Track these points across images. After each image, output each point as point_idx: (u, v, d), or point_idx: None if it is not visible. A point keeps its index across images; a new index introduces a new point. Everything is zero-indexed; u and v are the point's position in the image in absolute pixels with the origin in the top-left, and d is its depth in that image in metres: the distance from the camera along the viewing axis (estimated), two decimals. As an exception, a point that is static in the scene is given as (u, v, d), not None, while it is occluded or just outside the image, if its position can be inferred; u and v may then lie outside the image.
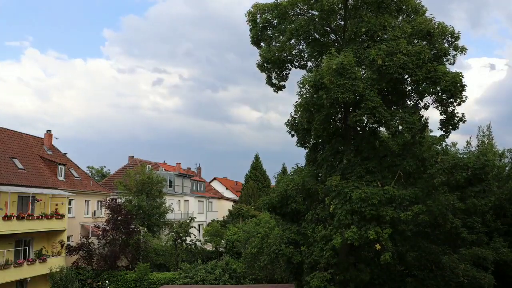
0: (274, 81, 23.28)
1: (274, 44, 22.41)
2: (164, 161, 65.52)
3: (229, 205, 68.86)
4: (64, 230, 35.18)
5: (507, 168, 31.08)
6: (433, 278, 20.85)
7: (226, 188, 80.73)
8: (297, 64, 23.09)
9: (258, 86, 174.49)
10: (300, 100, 20.12)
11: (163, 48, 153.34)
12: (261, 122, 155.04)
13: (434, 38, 19.46)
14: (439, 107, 19.96)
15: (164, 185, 48.65)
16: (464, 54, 20.25)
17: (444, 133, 20.21)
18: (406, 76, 19.65)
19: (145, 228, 40.88)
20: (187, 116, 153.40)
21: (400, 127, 19.49)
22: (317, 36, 22.37)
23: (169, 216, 47.03)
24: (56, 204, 34.89)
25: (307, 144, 21.84)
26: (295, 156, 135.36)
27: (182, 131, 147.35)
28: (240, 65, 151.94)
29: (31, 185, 32.98)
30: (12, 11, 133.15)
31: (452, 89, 18.61)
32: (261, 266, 26.32)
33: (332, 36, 22.61)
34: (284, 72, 23.13)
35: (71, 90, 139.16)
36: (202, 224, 59.27)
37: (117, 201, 40.86)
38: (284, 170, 34.13)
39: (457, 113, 19.80)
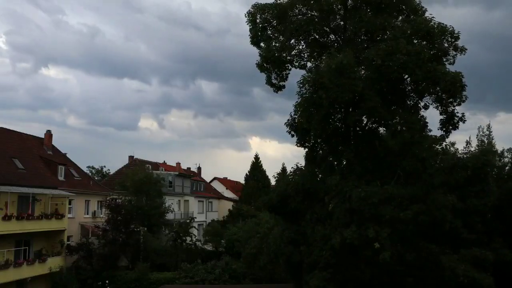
0: (273, 81, 23.30)
1: (273, 44, 22.43)
2: (164, 161, 65.54)
3: (229, 205, 68.77)
4: (64, 230, 35.18)
5: (507, 168, 31.04)
6: (433, 278, 20.82)
7: (226, 188, 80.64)
8: (296, 64, 23.10)
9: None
10: (299, 100, 20.13)
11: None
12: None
13: (433, 38, 19.49)
14: (439, 107, 20.00)
15: (162, 185, 48.61)
16: (464, 54, 20.30)
17: (444, 133, 20.24)
18: (406, 76, 19.69)
19: (145, 228, 40.85)
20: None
21: (400, 127, 19.52)
22: (317, 36, 22.40)
23: (169, 216, 46.97)
24: (56, 204, 34.89)
25: (306, 144, 21.81)
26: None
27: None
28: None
29: (31, 185, 32.97)
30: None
31: (452, 89, 18.65)
32: (261, 266, 26.30)
33: (332, 36, 22.64)
34: (284, 72, 23.13)
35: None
36: (202, 224, 59.22)
37: (117, 201, 40.85)
38: (283, 170, 34.08)
39: (457, 113, 19.86)
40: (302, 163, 23.26)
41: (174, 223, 45.61)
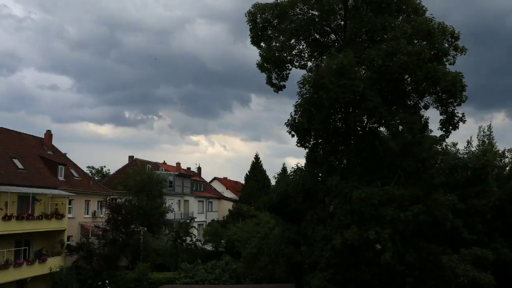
0: (274, 81, 23.30)
1: (274, 44, 22.42)
2: (164, 161, 65.55)
3: (229, 205, 68.75)
4: (64, 230, 35.14)
5: (507, 168, 31.04)
6: (433, 278, 20.82)
7: (226, 188, 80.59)
8: (297, 64, 23.10)
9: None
10: (300, 100, 20.12)
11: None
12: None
13: (434, 38, 19.49)
14: (439, 107, 20.01)
15: (164, 185, 48.56)
16: (464, 54, 20.28)
17: (444, 133, 20.24)
18: (406, 76, 19.70)
19: (145, 228, 40.82)
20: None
21: (400, 127, 19.53)
22: (317, 36, 22.40)
23: (169, 216, 46.96)
24: (56, 204, 34.85)
25: (307, 144, 21.81)
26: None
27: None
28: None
29: (31, 185, 32.93)
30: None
31: (452, 89, 18.65)
32: (261, 266, 26.28)
33: (332, 36, 22.64)
34: (284, 72, 23.14)
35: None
36: (202, 224, 59.20)
37: (117, 201, 40.81)
38: (284, 170, 34.05)
39: (457, 113, 19.86)
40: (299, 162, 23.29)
41: (174, 223, 45.56)
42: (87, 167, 65.46)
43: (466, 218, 23.86)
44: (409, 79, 19.96)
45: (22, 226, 30.55)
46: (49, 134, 42.06)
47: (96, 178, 59.51)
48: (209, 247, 45.62)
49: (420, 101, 20.94)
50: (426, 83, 19.17)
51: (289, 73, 23.12)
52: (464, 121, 19.90)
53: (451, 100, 19.36)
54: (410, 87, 20.69)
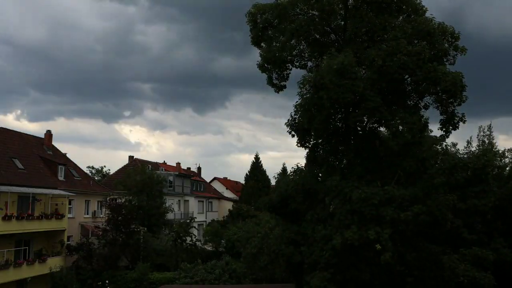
0: (274, 81, 23.30)
1: (274, 44, 22.41)
2: (164, 161, 65.58)
3: (229, 205, 68.74)
4: (64, 230, 35.16)
5: (507, 168, 31.06)
6: (433, 278, 20.83)
7: (226, 188, 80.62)
8: (297, 64, 23.11)
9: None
10: (300, 100, 20.12)
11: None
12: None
13: (434, 38, 19.51)
14: (439, 107, 20.02)
15: (164, 185, 48.57)
16: (464, 54, 20.30)
17: (444, 133, 20.25)
18: (406, 76, 19.72)
19: (145, 228, 40.83)
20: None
21: (400, 127, 19.54)
22: (317, 36, 22.40)
23: (169, 216, 46.97)
24: (56, 204, 34.87)
25: (307, 144, 21.81)
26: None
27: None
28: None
29: (31, 185, 32.95)
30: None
31: (452, 89, 18.67)
32: (261, 266, 26.28)
33: (332, 36, 22.64)
34: (285, 72, 23.14)
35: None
36: (202, 224, 59.21)
37: (117, 201, 40.81)
38: (284, 170, 34.06)
39: (457, 113, 19.86)
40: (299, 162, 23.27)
41: (174, 223, 45.57)
42: (87, 167, 65.68)
43: (466, 218, 23.88)
44: (409, 79, 19.98)
45: (22, 226, 30.57)
46: (49, 134, 42.09)
47: (96, 178, 59.54)
48: (209, 247, 45.62)
49: (420, 101, 20.96)
50: (426, 83, 19.19)
51: (289, 73, 23.14)
52: (464, 121, 19.92)
53: (451, 100, 19.38)
54: (410, 87, 20.71)
